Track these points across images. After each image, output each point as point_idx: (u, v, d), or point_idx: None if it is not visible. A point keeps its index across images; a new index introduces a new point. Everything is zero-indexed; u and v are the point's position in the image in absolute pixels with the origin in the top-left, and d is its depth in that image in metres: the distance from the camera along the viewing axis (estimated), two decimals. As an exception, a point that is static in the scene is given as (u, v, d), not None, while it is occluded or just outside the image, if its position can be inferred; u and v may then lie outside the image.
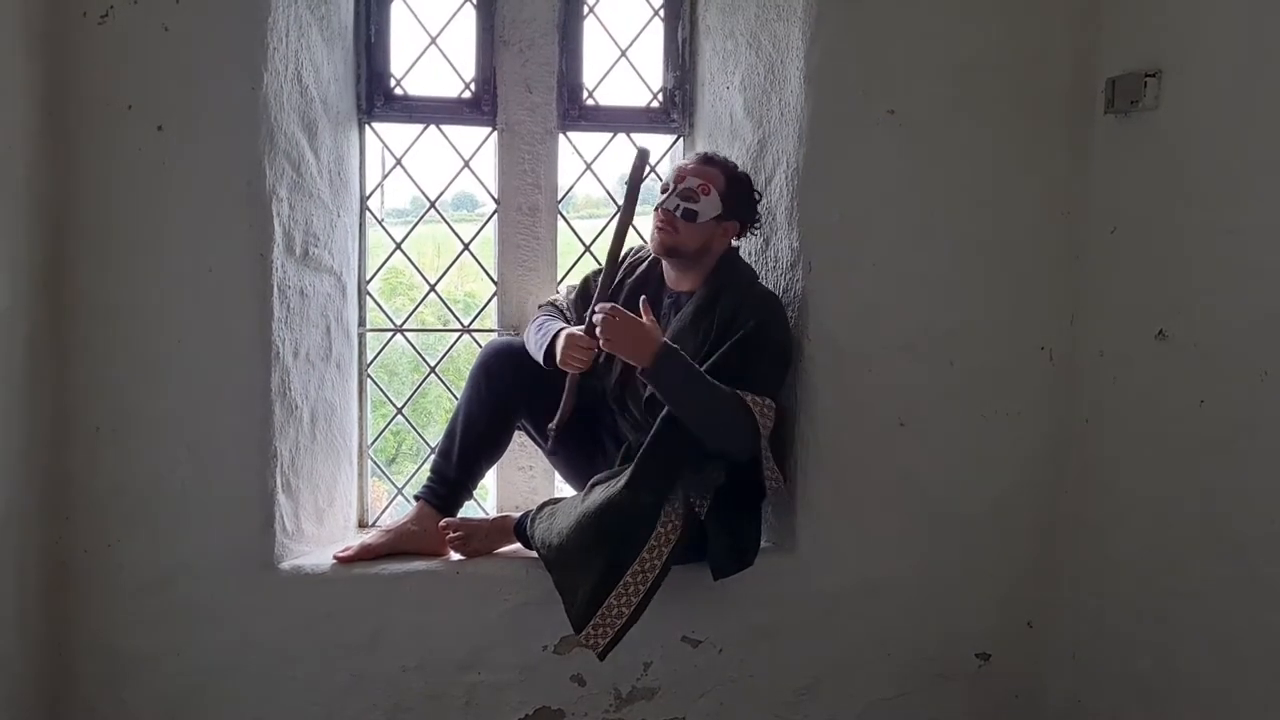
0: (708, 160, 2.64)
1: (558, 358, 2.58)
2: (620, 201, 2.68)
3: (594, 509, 2.46)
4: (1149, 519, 2.60)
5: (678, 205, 2.54)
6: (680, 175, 2.58)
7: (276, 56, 2.58)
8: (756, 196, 2.69)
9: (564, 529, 2.49)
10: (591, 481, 2.58)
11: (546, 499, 2.76)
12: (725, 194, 2.58)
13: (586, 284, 2.84)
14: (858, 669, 2.88)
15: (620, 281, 2.75)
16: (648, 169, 2.58)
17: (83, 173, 2.51)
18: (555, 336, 2.61)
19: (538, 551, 2.58)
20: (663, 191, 2.60)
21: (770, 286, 2.85)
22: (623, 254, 2.73)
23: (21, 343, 2.39)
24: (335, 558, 2.69)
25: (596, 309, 2.46)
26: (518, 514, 2.75)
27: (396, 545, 2.72)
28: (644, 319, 2.47)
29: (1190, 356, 2.47)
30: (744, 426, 2.45)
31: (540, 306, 2.91)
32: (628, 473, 2.46)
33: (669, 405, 2.44)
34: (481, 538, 2.73)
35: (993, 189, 2.82)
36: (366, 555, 2.69)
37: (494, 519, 2.80)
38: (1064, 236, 2.85)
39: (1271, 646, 2.24)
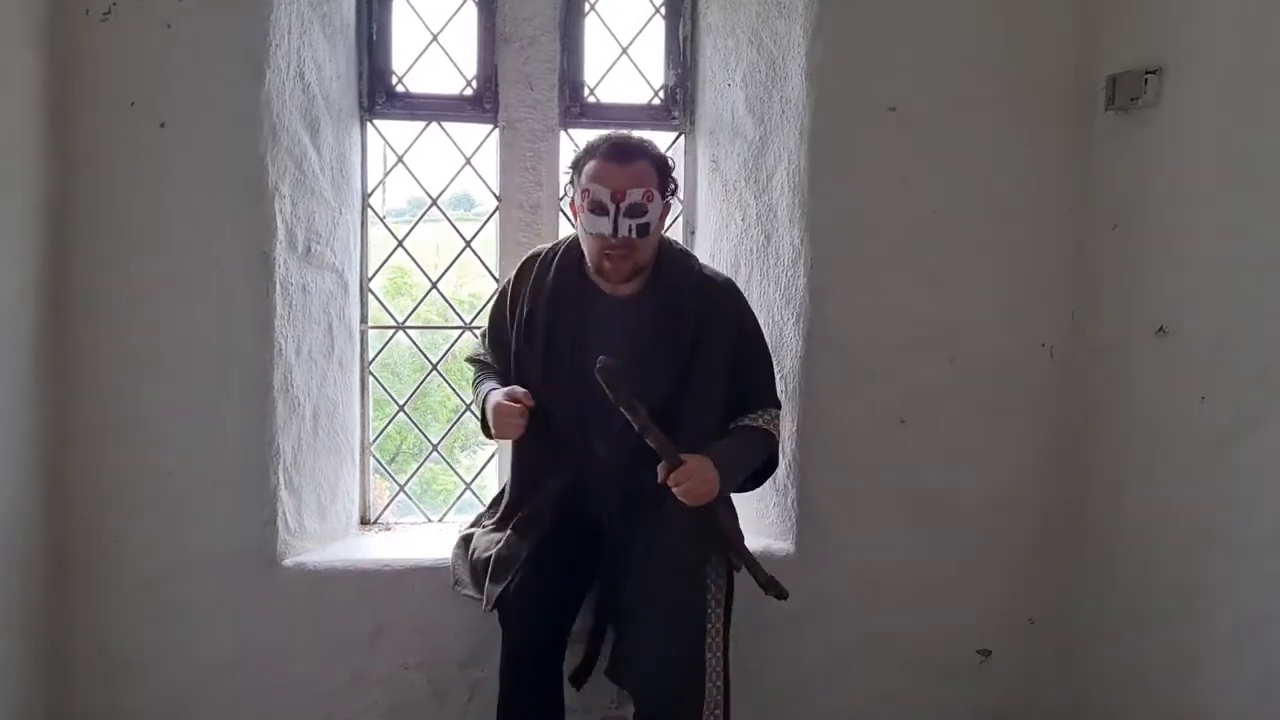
0: (632, 156, 2.28)
1: (493, 431, 2.40)
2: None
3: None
4: (1150, 515, 2.60)
5: (630, 227, 2.24)
6: (618, 192, 2.22)
7: (279, 54, 2.59)
8: (670, 164, 2.40)
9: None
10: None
11: None
12: (660, 187, 2.31)
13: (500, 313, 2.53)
14: (859, 665, 2.88)
15: (537, 281, 2.42)
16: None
17: (86, 170, 2.52)
18: (485, 407, 2.43)
19: None
20: (595, 211, 2.24)
21: (772, 284, 2.86)
22: (532, 254, 2.51)
23: (26, 339, 2.40)
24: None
25: (667, 481, 2.25)
26: None
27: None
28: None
29: (1191, 352, 2.48)
30: (770, 451, 2.49)
31: (471, 360, 2.67)
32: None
33: (728, 493, 2.44)
34: None
35: (994, 186, 2.82)
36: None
37: None
38: (1065, 233, 2.85)
39: (1273, 643, 2.24)
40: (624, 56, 3.13)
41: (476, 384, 2.57)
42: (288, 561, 2.68)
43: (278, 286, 2.62)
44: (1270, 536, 2.24)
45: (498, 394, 2.38)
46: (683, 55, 3.12)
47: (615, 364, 2.19)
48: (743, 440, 2.41)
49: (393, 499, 3.17)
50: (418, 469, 3.30)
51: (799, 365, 2.80)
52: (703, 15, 3.06)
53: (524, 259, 2.51)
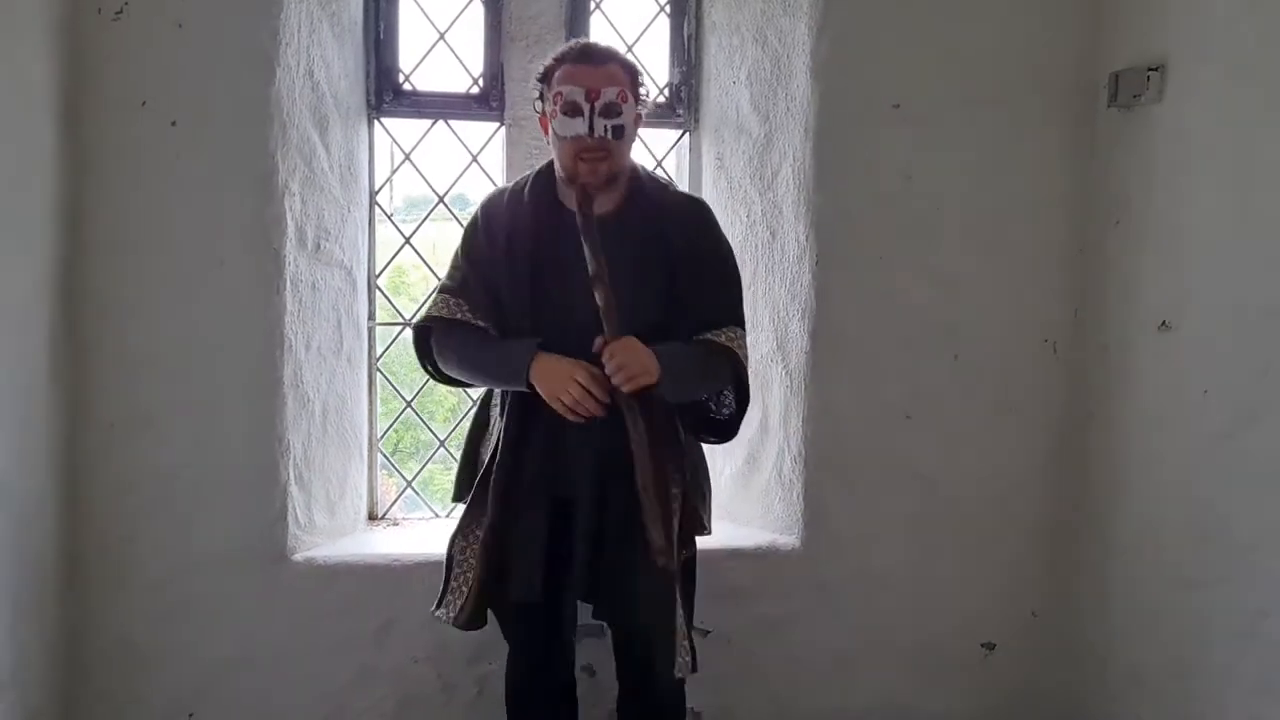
0: (604, 58, 2.21)
1: (563, 398, 2.14)
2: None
3: None
4: (1152, 509, 2.63)
5: (606, 127, 2.16)
6: (592, 91, 2.14)
7: (288, 52, 2.61)
8: (640, 72, 2.29)
9: None
10: None
11: None
12: (633, 91, 2.23)
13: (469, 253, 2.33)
14: (865, 659, 2.91)
15: (511, 211, 2.28)
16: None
17: (98, 168, 2.54)
18: (531, 362, 2.17)
19: None
20: (570, 113, 2.15)
21: (778, 280, 2.89)
22: (502, 208, 2.32)
23: (39, 337, 2.42)
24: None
25: (604, 357, 2.11)
26: None
27: None
28: (617, 348, 2.11)
29: (1193, 348, 2.50)
30: (733, 372, 2.31)
31: (432, 321, 2.34)
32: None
33: (675, 398, 2.23)
34: None
35: (997, 182, 2.85)
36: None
37: None
38: (1068, 229, 2.88)
39: (1274, 638, 2.27)
40: (629, 54, 3.15)
41: (476, 345, 2.28)
42: (298, 556, 2.70)
43: (288, 284, 2.65)
44: (1271, 531, 2.26)
45: (556, 359, 2.15)
46: (687, 53, 3.14)
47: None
48: (700, 350, 2.26)
49: (400, 494, 3.19)
50: (425, 464, 3.32)
51: (805, 361, 2.83)
52: (707, 13, 3.08)
53: (489, 196, 2.37)
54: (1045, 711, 2.97)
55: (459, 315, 2.29)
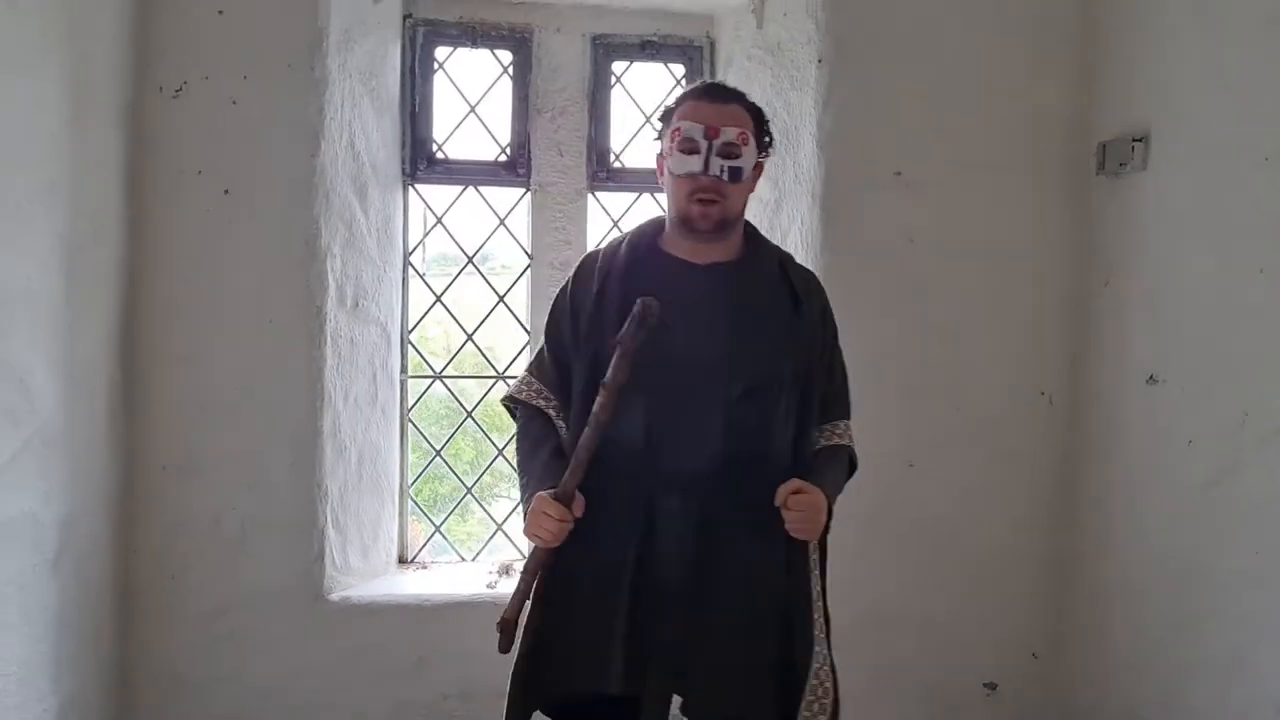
0: (728, 98, 2.03)
1: (543, 536, 1.89)
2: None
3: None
4: (1145, 553, 2.75)
5: (722, 168, 1.96)
6: (711, 129, 1.96)
7: (333, 126, 2.82)
8: (768, 117, 2.11)
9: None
10: None
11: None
12: (757, 136, 2.03)
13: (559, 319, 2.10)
14: (870, 700, 2.98)
15: (605, 264, 2.05)
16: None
17: (156, 232, 2.74)
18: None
19: None
20: (686, 151, 1.96)
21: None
22: (595, 263, 2.08)
23: (102, 390, 2.61)
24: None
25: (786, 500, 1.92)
26: None
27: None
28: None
29: (1179, 400, 2.64)
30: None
31: (512, 401, 2.16)
32: None
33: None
34: None
35: (994, 245, 3.01)
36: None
37: None
38: (1062, 289, 3.04)
39: (1253, 672, 2.38)
40: (648, 125, 3.34)
41: (525, 458, 2.07)
42: (334, 595, 2.87)
43: (328, 340, 2.83)
44: (1249, 573, 2.39)
45: (543, 495, 1.91)
46: (702, 123, 3.32)
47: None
48: (839, 468, 2.14)
49: (429, 539, 3.35)
50: (454, 509, 3.48)
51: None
52: (721, 86, 3.27)
53: (583, 258, 2.17)
54: (1047, 751, 3.08)
55: (522, 395, 2.12)
